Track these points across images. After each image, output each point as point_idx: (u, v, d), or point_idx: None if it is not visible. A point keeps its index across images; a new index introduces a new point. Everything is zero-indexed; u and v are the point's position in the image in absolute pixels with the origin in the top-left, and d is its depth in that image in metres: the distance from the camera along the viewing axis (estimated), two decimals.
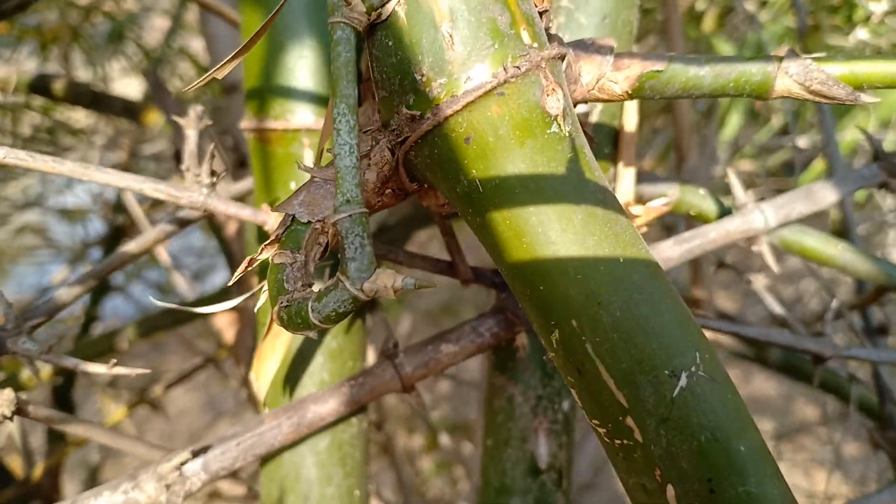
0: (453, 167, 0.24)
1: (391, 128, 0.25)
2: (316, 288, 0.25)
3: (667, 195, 0.44)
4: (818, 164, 1.26)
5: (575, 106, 0.31)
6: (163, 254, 0.72)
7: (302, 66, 0.39)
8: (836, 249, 0.44)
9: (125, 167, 1.07)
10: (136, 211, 0.71)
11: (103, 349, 0.61)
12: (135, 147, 1.09)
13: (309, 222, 0.27)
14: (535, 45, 0.24)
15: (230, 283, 0.29)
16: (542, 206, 0.24)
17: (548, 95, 0.24)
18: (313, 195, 0.28)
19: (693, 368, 0.24)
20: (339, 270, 0.23)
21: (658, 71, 0.29)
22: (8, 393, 0.35)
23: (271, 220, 0.36)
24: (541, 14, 0.28)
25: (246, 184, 0.49)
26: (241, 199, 0.51)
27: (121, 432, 0.39)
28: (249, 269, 0.28)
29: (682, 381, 0.24)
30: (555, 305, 0.25)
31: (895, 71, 0.30)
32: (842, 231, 0.75)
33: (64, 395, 1.00)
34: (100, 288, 1.06)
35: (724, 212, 0.44)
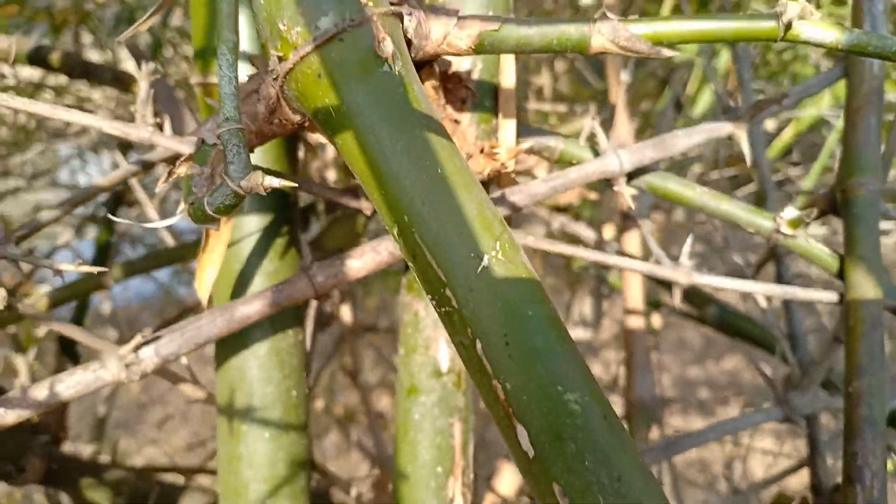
0: (312, 98, 0.33)
1: (270, 68, 0.34)
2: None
3: (551, 147, 0.52)
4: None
5: (432, 58, 0.39)
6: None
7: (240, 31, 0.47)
8: (693, 192, 0.51)
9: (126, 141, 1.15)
10: (134, 182, 0.80)
11: (92, 286, 0.71)
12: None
13: (214, 144, 0.35)
14: (371, 4, 0.32)
15: (159, 189, 0.37)
16: (377, 127, 0.32)
17: (379, 42, 0.32)
18: (215, 120, 0.36)
19: (493, 253, 0.32)
20: (223, 172, 0.32)
21: (494, 30, 0.37)
22: (1, 290, 0.44)
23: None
24: None
25: None
26: None
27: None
28: (171, 179, 0.36)
29: (484, 262, 0.32)
30: (392, 206, 0.33)
31: (687, 30, 0.38)
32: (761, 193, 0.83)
33: (71, 350, 1.10)
34: (103, 251, 1.16)
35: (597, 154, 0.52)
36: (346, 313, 1.10)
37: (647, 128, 1.65)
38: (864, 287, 0.49)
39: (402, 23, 0.35)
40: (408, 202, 0.32)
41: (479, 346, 0.33)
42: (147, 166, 0.51)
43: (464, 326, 0.33)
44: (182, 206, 0.39)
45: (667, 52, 0.38)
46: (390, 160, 0.32)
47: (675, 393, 2.45)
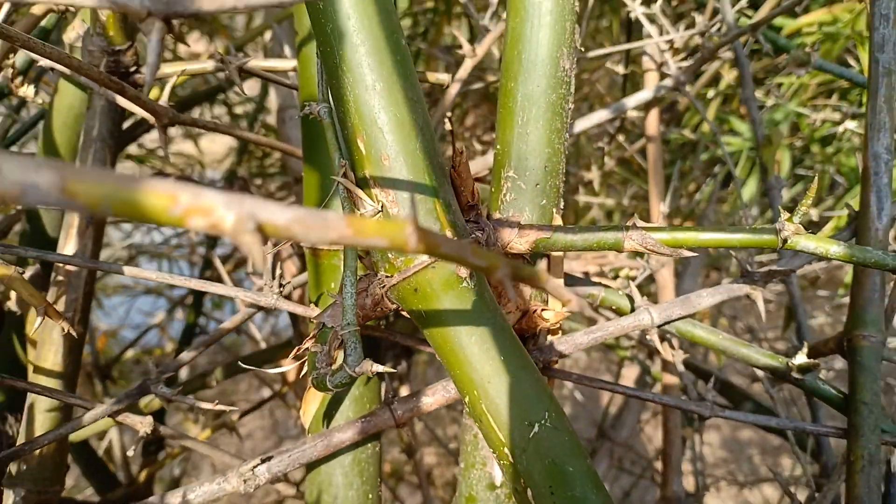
0: (409, 303, 0.44)
1: (378, 277, 0.45)
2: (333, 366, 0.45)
3: (594, 295, 0.62)
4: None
5: (516, 256, 0.50)
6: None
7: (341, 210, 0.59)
8: (717, 338, 0.61)
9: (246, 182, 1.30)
10: (224, 274, 0.93)
11: (197, 386, 0.83)
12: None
13: (332, 327, 0.47)
14: (455, 238, 0.43)
15: (291, 356, 0.48)
16: (458, 327, 0.43)
17: (460, 267, 0.43)
18: (335, 311, 0.48)
19: (542, 421, 0.43)
20: (343, 359, 0.43)
21: (546, 237, 0.48)
22: (148, 418, 0.56)
23: (315, 314, 0.56)
24: (472, 206, 0.48)
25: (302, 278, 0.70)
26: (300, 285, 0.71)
27: (211, 447, 0.60)
28: (302, 354, 0.47)
29: (535, 429, 0.42)
30: (465, 383, 0.43)
31: (698, 238, 0.48)
32: (790, 308, 0.91)
33: (160, 418, 1.23)
34: (189, 330, 1.30)
35: (634, 309, 0.61)
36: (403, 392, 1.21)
37: (693, 214, 1.74)
38: (864, 427, 0.57)
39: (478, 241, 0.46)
40: (477, 381, 0.43)
41: (529, 492, 0.43)
42: (260, 308, 0.63)
43: (517, 476, 0.43)
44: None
45: (687, 254, 0.48)
46: (465, 351, 0.43)
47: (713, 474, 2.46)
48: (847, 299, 0.68)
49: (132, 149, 1.60)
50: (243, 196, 0.21)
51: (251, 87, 2.12)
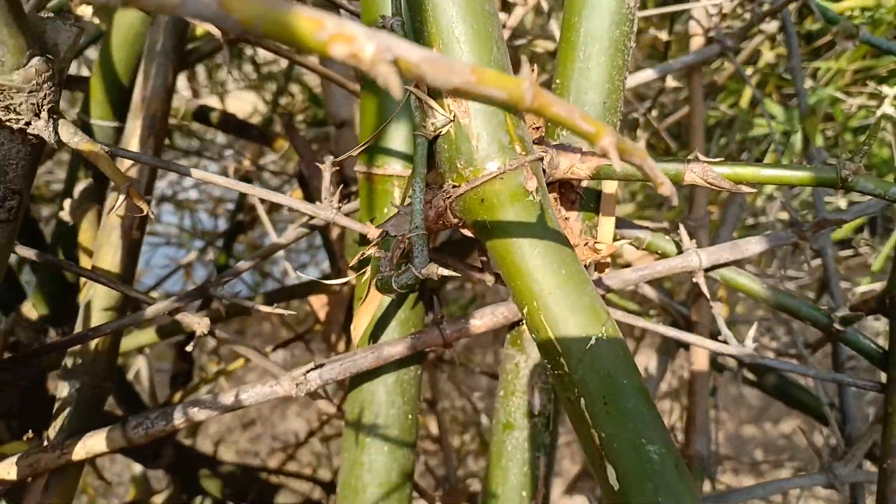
0: (474, 214, 0.45)
1: (443, 188, 0.46)
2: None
3: (641, 239, 0.63)
4: None
5: (566, 186, 0.51)
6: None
7: (397, 135, 0.60)
8: (759, 287, 0.61)
9: (249, 174, 1.32)
10: (263, 215, 0.94)
11: (239, 310, 0.85)
12: (255, 159, 1.34)
13: (395, 236, 0.48)
14: (523, 153, 0.44)
15: (351, 266, 0.50)
16: (520, 238, 0.44)
17: (528, 180, 0.44)
18: (398, 220, 0.49)
19: (600, 335, 0.44)
20: (409, 261, 0.44)
21: (609, 164, 0.49)
22: (205, 319, 0.57)
23: (371, 232, 0.58)
24: (536, 128, 0.49)
25: (352, 205, 0.71)
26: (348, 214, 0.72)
27: (263, 357, 0.61)
28: (363, 257, 0.49)
29: (592, 341, 0.44)
30: (524, 292, 0.45)
31: (759, 174, 0.48)
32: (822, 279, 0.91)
33: (183, 349, 1.25)
34: (220, 271, 1.32)
35: (680, 252, 0.62)
36: None
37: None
38: None
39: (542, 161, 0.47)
40: (538, 293, 0.44)
41: (582, 402, 0.44)
42: (312, 228, 0.65)
43: (572, 387, 0.44)
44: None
45: (746, 189, 0.49)
46: (528, 262, 0.44)
47: (730, 451, 2.47)
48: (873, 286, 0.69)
49: None
50: (381, 30, 0.22)
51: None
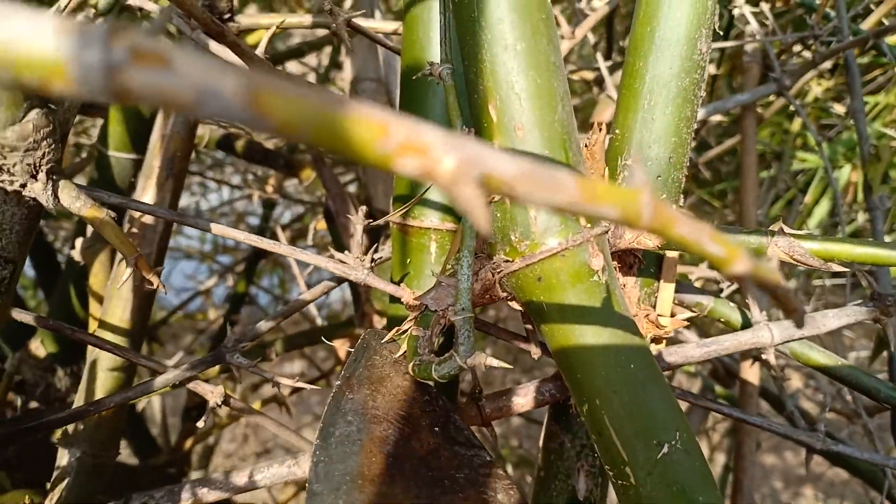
0: (528, 293, 0.39)
1: (493, 261, 0.40)
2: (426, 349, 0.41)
3: (703, 305, 0.57)
4: None
5: (626, 251, 0.45)
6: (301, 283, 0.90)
7: (433, 189, 0.54)
8: (835, 363, 0.55)
9: (273, 200, 1.27)
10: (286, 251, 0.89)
11: (256, 357, 0.79)
12: (279, 183, 1.30)
13: (435, 311, 0.42)
14: (588, 225, 0.38)
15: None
16: (583, 325, 0.38)
17: (593, 258, 0.38)
18: (439, 293, 0.43)
19: (673, 442, 0.38)
20: (452, 348, 0.38)
21: None
22: (220, 388, 0.52)
23: (405, 295, 0.52)
24: None
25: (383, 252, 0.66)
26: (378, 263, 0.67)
27: (284, 427, 0.56)
28: (403, 335, 0.43)
29: (665, 449, 0.37)
30: (585, 387, 0.39)
31: (854, 251, 0.42)
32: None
33: None
34: (239, 298, 1.27)
35: (746, 322, 0.56)
36: None
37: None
38: None
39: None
40: (602, 389, 0.38)
41: None
42: (340, 281, 0.59)
43: (638, 501, 0.38)
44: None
45: (836, 268, 0.43)
46: (592, 354, 0.38)
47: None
48: None
49: None
50: (463, 139, 0.17)
51: (316, 58, 2.08)
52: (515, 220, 0.38)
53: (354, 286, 0.88)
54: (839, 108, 1.41)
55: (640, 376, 0.38)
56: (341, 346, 0.96)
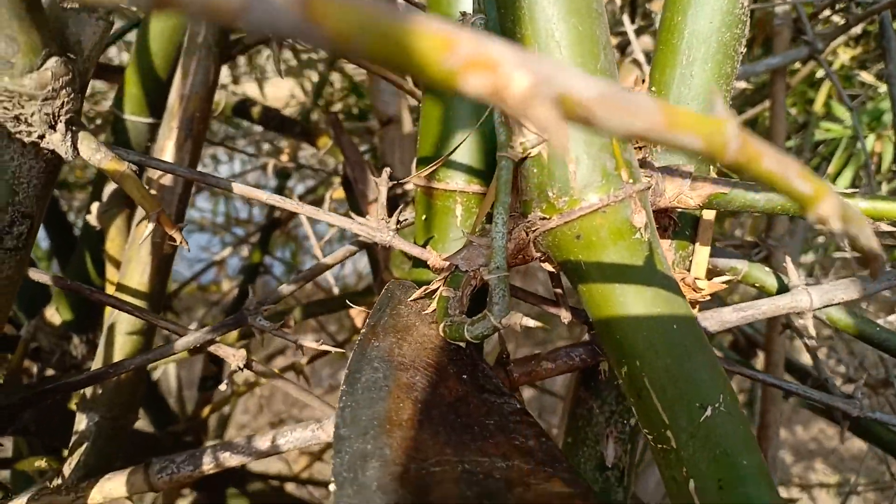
0: (565, 252, 0.37)
1: (528, 219, 0.39)
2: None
3: (737, 269, 0.55)
4: None
5: (661, 211, 0.44)
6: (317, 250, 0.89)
7: (461, 148, 0.53)
8: (873, 329, 0.53)
9: (287, 170, 1.26)
10: (305, 218, 0.87)
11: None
12: (294, 152, 1.28)
13: (466, 271, 0.41)
14: (631, 181, 0.37)
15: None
16: (624, 284, 0.36)
17: (635, 214, 0.36)
18: (471, 253, 0.42)
19: (716, 405, 0.36)
20: (486, 308, 0.37)
21: (724, 193, 0.41)
22: (242, 351, 0.51)
23: (432, 258, 0.50)
24: (639, 148, 0.41)
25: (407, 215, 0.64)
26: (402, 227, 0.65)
27: (308, 392, 0.55)
28: (433, 295, 0.42)
29: (708, 412, 0.36)
30: (626, 349, 0.37)
31: None
32: None
33: (215, 359, 1.20)
34: (254, 268, 1.26)
35: (781, 287, 0.54)
36: None
37: None
38: None
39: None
40: (643, 351, 0.37)
41: (691, 485, 0.36)
42: (362, 246, 0.58)
43: (679, 465, 0.37)
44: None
45: (886, 227, 0.41)
46: (632, 313, 0.36)
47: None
48: None
49: None
50: (536, 55, 0.15)
51: None
52: (553, 175, 0.36)
53: (373, 254, 0.87)
54: (866, 77, 1.37)
55: (683, 337, 0.36)
56: (358, 315, 0.95)
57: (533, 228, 0.38)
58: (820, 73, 1.50)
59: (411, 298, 0.43)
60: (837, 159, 1.59)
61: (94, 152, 0.32)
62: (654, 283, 0.36)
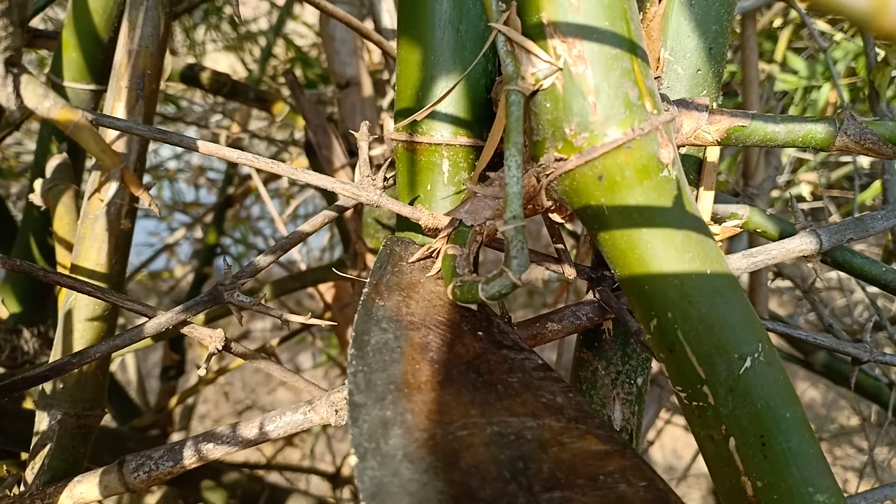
0: (584, 196, 0.34)
1: (540, 163, 0.35)
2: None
3: (738, 215, 0.53)
4: (876, 185, 1.30)
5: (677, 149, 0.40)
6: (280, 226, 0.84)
7: (444, 101, 0.48)
8: (879, 270, 0.51)
9: (238, 140, 1.19)
10: (262, 188, 0.82)
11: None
12: (244, 124, 1.21)
13: (471, 225, 0.37)
14: (655, 111, 0.33)
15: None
16: (652, 228, 0.33)
17: (662, 149, 0.33)
18: (476, 206, 0.38)
19: (756, 355, 0.33)
20: (503, 263, 0.33)
21: (743, 126, 0.38)
22: (220, 331, 0.46)
23: (424, 217, 0.46)
24: (656, 78, 0.37)
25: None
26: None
27: (294, 374, 0.50)
28: (428, 256, 0.38)
29: (747, 363, 0.33)
30: (656, 301, 0.34)
31: None
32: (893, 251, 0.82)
33: (176, 342, 1.14)
34: (210, 250, 1.19)
35: (785, 232, 0.52)
36: None
37: None
38: None
39: None
40: (675, 300, 0.33)
41: (732, 443, 0.34)
42: (342, 210, 0.53)
43: (718, 423, 0.34)
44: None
45: None
46: (662, 260, 0.33)
47: None
48: None
49: None
50: None
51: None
52: (570, 108, 0.33)
53: (342, 224, 0.82)
54: (822, 25, 1.37)
55: (718, 284, 0.33)
56: (327, 291, 0.91)
57: (547, 172, 0.35)
58: (777, 23, 1.50)
59: (412, 259, 0.39)
60: (794, 109, 1.60)
61: (41, 99, 0.27)
62: (684, 226, 0.33)
